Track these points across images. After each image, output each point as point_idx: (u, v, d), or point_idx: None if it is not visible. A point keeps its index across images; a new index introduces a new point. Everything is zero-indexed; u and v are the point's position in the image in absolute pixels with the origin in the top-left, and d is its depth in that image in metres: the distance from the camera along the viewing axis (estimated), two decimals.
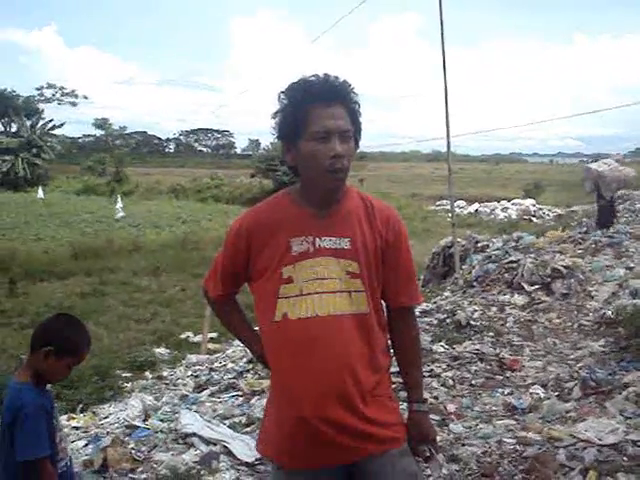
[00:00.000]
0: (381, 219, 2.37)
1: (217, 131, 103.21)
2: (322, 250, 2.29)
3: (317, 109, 2.22)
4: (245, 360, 8.38)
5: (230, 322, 2.66)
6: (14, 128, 58.22)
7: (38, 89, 61.40)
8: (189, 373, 9.19)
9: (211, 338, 11.34)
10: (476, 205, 38.16)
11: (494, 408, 5.56)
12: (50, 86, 62.24)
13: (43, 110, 60.19)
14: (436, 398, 5.79)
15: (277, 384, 2.37)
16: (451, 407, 5.57)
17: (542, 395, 5.70)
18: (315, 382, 2.23)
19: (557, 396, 5.65)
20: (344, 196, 2.35)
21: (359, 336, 2.28)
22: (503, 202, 37.98)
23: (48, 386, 2.80)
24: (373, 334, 2.33)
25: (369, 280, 2.32)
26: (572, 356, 6.73)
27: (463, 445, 4.75)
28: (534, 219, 31.69)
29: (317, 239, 2.29)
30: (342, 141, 2.23)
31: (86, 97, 67.75)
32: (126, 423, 5.99)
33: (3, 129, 59.06)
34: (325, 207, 2.32)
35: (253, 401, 6.35)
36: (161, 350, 11.48)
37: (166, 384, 8.82)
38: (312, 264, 2.28)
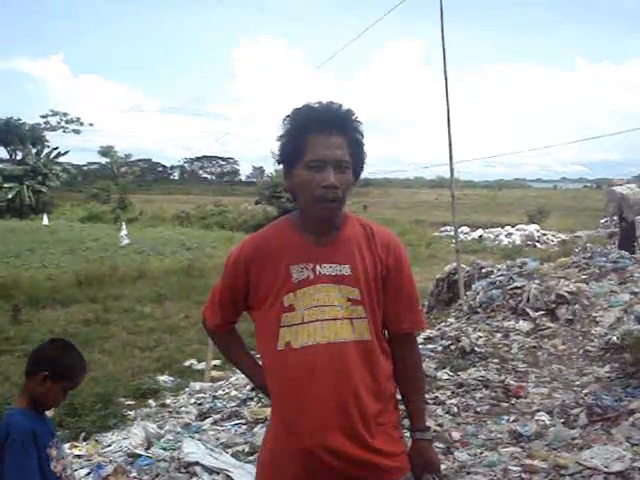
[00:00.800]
0: (382, 245, 2.35)
1: (221, 158, 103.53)
2: (322, 277, 2.27)
3: (315, 137, 2.21)
4: (249, 388, 8.33)
5: (229, 352, 2.65)
6: (19, 156, 58.51)
7: (43, 117, 61.70)
8: (192, 401, 9.14)
9: (215, 365, 11.29)
10: (480, 231, 38.10)
11: (499, 435, 5.52)
12: (55, 113, 62.51)
13: (48, 138, 60.50)
14: (441, 426, 5.75)
15: (278, 413, 2.34)
16: (456, 435, 5.53)
17: (548, 422, 5.66)
18: (318, 411, 2.20)
19: (563, 423, 5.60)
20: (344, 223, 2.34)
21: (362, 364, 2.26)
22: (507, 228, 37.93)
23: (50, 414, 2.78)
24: (376, 361, 2.30)
25: (370, 307, 2.30)
26: (578, 382, 6.69)
27: (468, 473, 4.72)
28: (538, 244, 31.64)
29: (317, 266, 2.28)
30: (338, 171, 2.21)
31: (91, 124, 68.35)
32: (128, 451, 5.95)
33: (9, 157, 59.41)
34: (324, 234, 2.31)
35: (256, 429, 6.30)
36: (165, 378, 11.43)
37: (169, 412, 8.78)
38: (313, 291, 2.26)
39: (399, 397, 2.46)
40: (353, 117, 2.28)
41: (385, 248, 2.36)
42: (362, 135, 2.32)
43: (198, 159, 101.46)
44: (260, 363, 2.45)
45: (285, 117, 2.30)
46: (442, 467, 4.66)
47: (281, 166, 2.35)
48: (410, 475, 2.35)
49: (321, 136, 2.21)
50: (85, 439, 7.48)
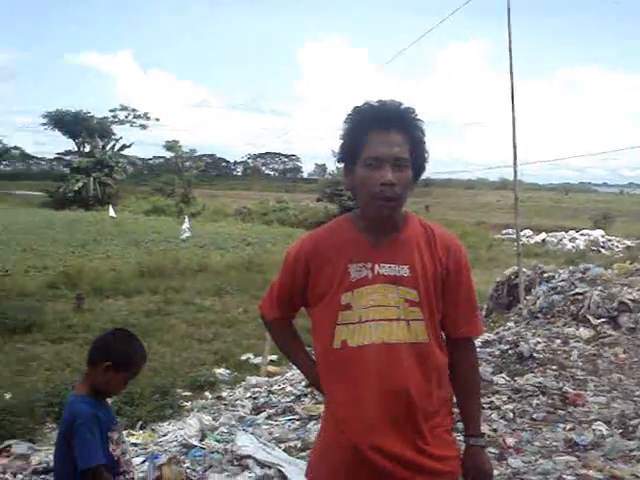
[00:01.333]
0: (442, 247, 2.33)
1: (284, 155, 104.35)
2: (381, 277, 2.26)
3: (374, 135, 2.20)
4: (304, 384, 8.36)
5: (286, 346, 2.66)
6: (87, 148, 59.79)
7: (112, 111, 62.91)
8: (248, 395, 9.22)
9: (271, 361, 11.37)
10: (543, 235, 37.52)
11: (555, 443, 5.42)
12: (123, 108, 63.64)
13: (115, 132, 61.68)
14: (495, 431, 5.68)
15: (331, 411, 2.35)
16: (510, 441, 5.46)
17: (605, 432, 5.53)
18: (371, 411, 2.20)
19: (621, 433, 5.47)
20: (404, 223, 2.33)
21: (417, 365, 2.24)
22: (571, 232, 37.25)
23: (109, 401, 2.86)
24: (432, 364, 2.29)
25: (429, 308, 2.28)
26: (638, 393, 6.53)
27: None
28: (603, 250, 31.02)
29: (376, 266, 2.27)
30: (396, 169, 2.19)
31: (158, 119, 69.30)
32: (183, 442, 6.04)
33: (77, 149, 60.74)
34: (384, 233, 2.30)
35: (309, 426, 6.32)
36: (221, 371, 11.57)
37: (225, 405, 8.88)
38: (371, 291, 2.25)
39: (454, 401, 2.45)
40: (413, 114, 2.27)
41: (446, 250, 2.33)
42: (423, 133, 2.30)
43: (261, 155, 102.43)
44: (315, 359, 2.46)
45: (347, 115, 2.29)
46: (495, 473, 4.63)
47: (342, 164, 2.35)
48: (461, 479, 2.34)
49: (380, 133, 2.20)
50: (142, 428, 7.64)
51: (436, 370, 2.31)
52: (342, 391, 2.27)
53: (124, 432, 6.73)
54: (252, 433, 6.00)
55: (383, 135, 2.20)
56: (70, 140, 60.91)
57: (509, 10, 12.54)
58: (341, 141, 2.30)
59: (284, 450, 5.47)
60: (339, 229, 2.38)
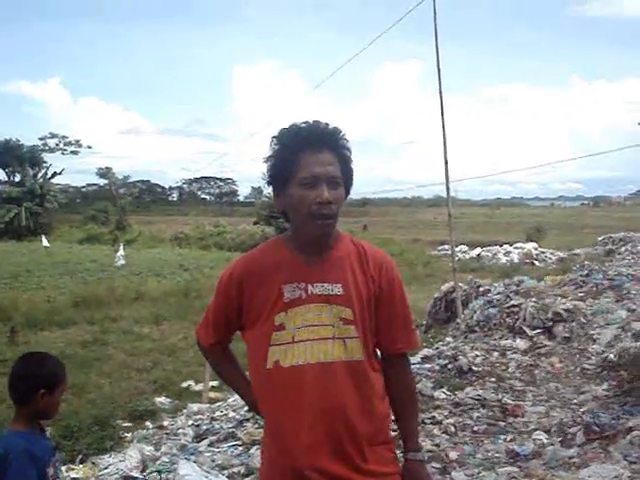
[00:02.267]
0: (374, 265, 2.35)
1: (220, 179, 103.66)
2: (314, 297, 2.27)
3: (306, 155, 2.21)
4: (246, 409, 8.29)
5: (223, 371, 2.65)
6: (18, 178, 58.62)
7: (41, 139, 61.90)
8: (190, 422, 9.10)
9: (212, 387, 11.25)
10: (478, 249, 38.05)
11: (497, 455, 5.48)
12: (53, 136, 62.76)
13: (46, 160, 60.65)
14: (437, 445, 5.71)
15: (270, 433, 2.35)
16: (453, 454, 5.50)
17: (545, 441, 5.63)
18: (308, 432, 2.20)
19: (560, 442, 5.57)
20: (336, 242, 2.34)
21: (353, 384, 2.25)
22: (505, 246, 37.87)
23: (49, 434, 2.80)
24: (368, 381, 2.30)
25: (363, 326, 2.30)
26: (575, 401, 6.66)
27: None
28: (536, 262, 31.56)
29: (309, 285, 2.28)
30: (330, 187, 2.22)
31: (90, 147, 68.09)
32: (124, 474, 5.92)
33: (7, 179, 59.49)
34: (316, 253, 2.31)
35: (252, 451, 6.25)
36: (162, 399, 11.38)
37: (167, 434, 8.73)
38: (304, 311, 2.26)
39: (393, 417, 2.45)
40: (341, 134, 2.30)
41: (378, 267, 2.35)
42: (350, 152, 2.33)
43: (196, 180, 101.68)
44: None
45: (273, 137, 2.30)
46: None
47: (271, 187, 2.36)
48: None
49: (312, 154, 2.22)
50: (82, 462, 7.45)
51: (372, 387, 2.32)
52: (278, 413, 2.27)
53: (64, 467, 6.60)
54: (194, 461, 5.91)
55: (316, 155, 2.22)
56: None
57: (436, 31, 12.78)
58: (270, 163, 2.30)
59: (227, 477, 5.41)
60: (271, 250, 2.38)
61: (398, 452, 2.43)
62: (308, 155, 2.22)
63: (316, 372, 2.22)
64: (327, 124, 2.29)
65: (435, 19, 12.75)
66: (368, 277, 2.33)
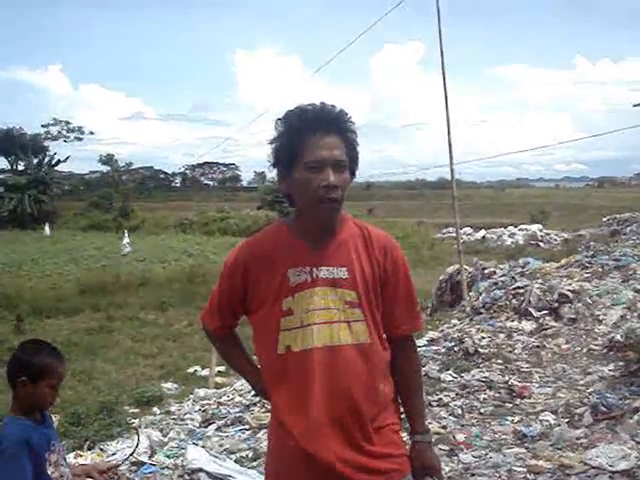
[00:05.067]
0: (379, 247, 2.34)
1: (223, 164, 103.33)
2: (320, 280, 2.26)
3: (312, 138, 2.19)
4: (252, 393, 8.31)
5: (229, 356, 2.64)
6: (21, 166, 58.64)
7: (44, 126, 61.88)
8: (197, 407, 9.13)
9: (219, 372, 11.30)
10: (483, 232, 38.03)
11: (504, 436, 5.49)
12: (56, 122, 62.74)
13: (49, 147, 60.63)
14: (445, 428, 5.72)
15: (277, 416, 2.33)
16: (460, 437, 5.51)
17: (552, 422, 5.63)
18: (316, 415, 2.20)
19: (567, 422, 5.57)
20: (341, 225, 2.32)
21: (360, 366, 2.24)
22: (510, 228, 37.84)
23: (55, 423, 2.79)
24: (375, 364, 2.29)
25: (369, 309, 2.29)
26: (582, 381, 6.65)
27: (473, 475, 4.70)
28: (541, 244, 31.53)
29: (314, 269, 2.26)
30: (336, 171, 2.20)
31: (92, 133, 68.27)
32: (132, 460, 5.93)
33: (10, 167, 59.50)
34: (321, 237, 2.29)
35: (260, 435, 6.28)
36: (168, 385, 11.46)
37: (174, 419, 8.77)
38: (310, 295, 2.25)
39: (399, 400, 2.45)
40: (347, 117, 2.27)
41: (382, 250, 2.34)
42: (356, 134, 2.31)
43: (199, 166, 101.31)
44: (258, 367, 2.44)
45: (278, 120, 2.28)
46: (446, 469, 4.68)
47: (275, 170, 2.33)
48: (410, 477, 2.33)
49: (318, 137, 2.19)
50: (89, 448, 7.48)
51: (379, 370, 2.31)
52: (287, 397, 2.26)
53: (71, 454, 6.63)
54: (202, 446, 5.94)
55: (322, 138, 2.20)
56: (2, 158, 59.72)
57: (439, 12, 12.69)
58: (275, 146, 2.28)
59: (235, 461, 5.43)
60: (275, 235, 2.37)
61: (405, 434, 2.42)
62: (314, 138, 2.19)
63: (323, 356, 2.21)
64: (333, 106, 2.26)
65: (438, 1, 12.66)
66: (373, 260, 2.32)
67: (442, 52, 12.76)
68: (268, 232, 2.42)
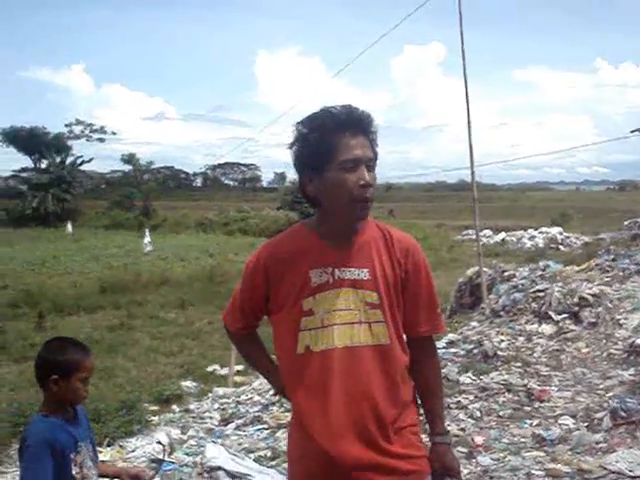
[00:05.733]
0: (400, 249, 2.36)
1: (243, 165, 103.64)
2: (341, 281, 2.28)
3: (345, 138, 2.21)
4: (271, 393, 8.34)
5: (250, 355, 2.68)
6: (44, 164, 59.14)
7: (67, 125, 62.29)
8: (216, 406, 9.17)
9: (238, 371, 11.32)
10: (502, 234, 37.83)
11: (522, 440, 5.48)
12: (79, 122, 63.15)
13: (72, 147, 61.07)
14: (463, 430, 5.72)
15: (298, 416, 2.36)
16: (479, 439, 5.50)
17: (571, 426, 5.60)
18: (336, 415, 2.22)
19: (587, 427, 5.54)
20: (363, 227, 2.35)
21: (380, 368, 2.27)
22: (530, 231, 37.61)
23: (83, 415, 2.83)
24: (394, 366, 2.31)
25: (390, 310, 2.31)
26: (602, 386, 6.61)
27: (491, 478, 4.71)
28: (561, 247, 31.32)
29: (336, 270, 2.29)
30: (368, 170, 2.23)
31: (114, 133, 68.66)
32: (151, 457, 5.98)
33: (33, 165, 60.04)
34: (344, 238, 2.31)
35: (279, 434, 6.31)
36: (188, 383, 11.47)
37: (193, 417, 8.81)
38: (332, 295, 2.27)
39: (418, 402, 2.47)
40: (371, 118, 2.30)
41: (404, 252, 2.36)
42: (377, 136, 2.34)
43: (220, 166, 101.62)
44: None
45: (303, 122, 2.30)
46: (465, 472, 4.68)
47: (299, 173, 2.34)
48: (430, 478, 2.35)
49: (351, 137, 2.22)
50: (109, 445, 7.52)
51: (399, 371, 2.33)
52: (308, 397, 2.28)
53: None
54: (221, 444, 5.97)
55: (354, 138, 2.22)
56: (26, 157, 60.23)
57: (460, 14, 12.67)
58: (303, 147, 2.29)
59: (254, 460, 5.45)
60: (297, 236, 2.39)
61: (424, 436, 2.44)
62: (347, 138, 2.21)
63: (344, 356, 2.24)
64: (359, 108, 2.29)
65: (460, 2, 12.64)
66: (394, 261, 2.34)
67: (464, 54, 12.72)
68: (289, 233, 2.44)
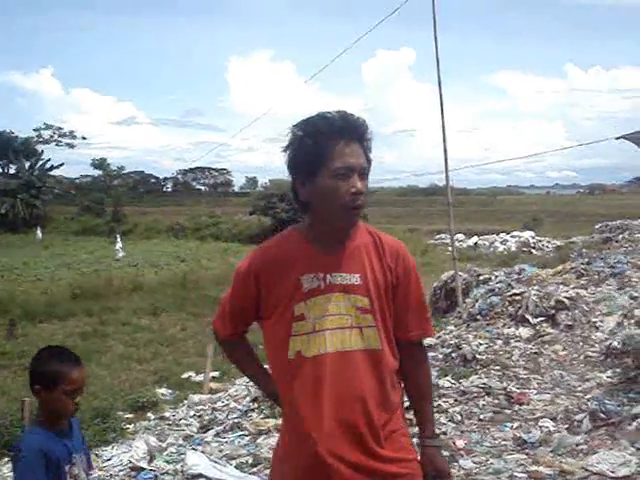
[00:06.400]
0: (390, 254, 2.37)
1: (214, 169, 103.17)
2: (333, 286, 2.28)
3: (339, 145, 2.21)
4: (248, 399, 8.34)
5: (240, 361, 2.66)
6: (13, 169, 58.47)
7: (36, 130, 61.68)
8: (192, 413, 9.12)
9: (213, 377, 11.29)
10: (475, 238, 38.10)
11: (504, 442, 5.50)
12: (48, 127, 62.56)
13: (42, 151, 60.45)
14: (445, 434, 5.73)
15: (290, 420, 2.35)
16: (460, 443, 5.51)
17: (552, 428, 5.63)
18: (328, 420, 2.21)
19: (567, 429, 5.57)
20: (354, 232, 2.35)
21: (371, 372, 2.27)
22: (502, 235, 37.93)
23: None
24: (385, 370, 2.31)
25: (380, 315, 2.31)
26: (580, 388, 6.66)
27: None
28: (534, 251, 31.61)
29: (328, 275, 2.28)
30: (361, 178, 2.23)
31: (84, 138, 67.96)
32: (131, 465, 5.90)
33: (2, 171, 59.29)
34: (335, 243, 2.31)
35: (259, 440, 6.28)
36: (163, 390, 11.43)
37: (169, 425, 8.76)
38: (323, 300, 2.27)
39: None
40: (367, 126, 2.31)
41: (394, 257, 2.37)
42: (371, 144, 2.34)
43: (191, 170, 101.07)
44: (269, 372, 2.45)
45: (297, 126, 2.29)
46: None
47: (291, 176, 2.33)
48: None
49: (345, 144, 2.22)
50: None
51: (389, 375, 2.33)
52: (300, 401, 2.27)
53: None
54: (202, 451, 5.91)
55: (349, 146, 2.23)
56: None
57: (435, 20, 12.70)
58: (297, 152, 2.28)
59: (235, 467, 5.41)
60: (287, 241, 2.38)
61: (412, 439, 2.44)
62: (342, 145, 2.22)
63: (336, 361, 2.23)
64: (355, 115, 2.29)
65: (434, 7, 12.68)
66: (385, 266, 2.34)
67: (438, 60, 12.76)
68: (280, 238, 2.43)
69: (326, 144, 2.21)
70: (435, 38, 12.74)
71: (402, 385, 2.45)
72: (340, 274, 2.28)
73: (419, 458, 2.39)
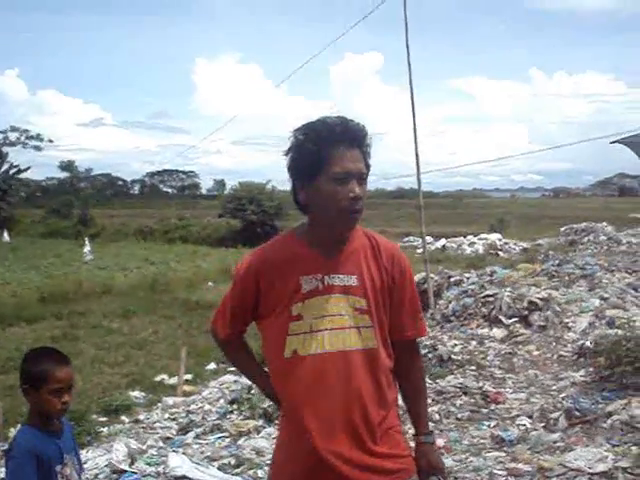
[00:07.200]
0: (386, 256, 2.41)
1: (182, 172, 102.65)
2: (331, 287, 2.31)
3: (339, 150, 2.25)
4: (223, 402, 8.35)
5: (240, 362, 2.69)
6: None
7: (2, 132, 60.88)
8: (167, 416, 9.09)
9: (186, 380, 11.25)
10: (443, 241, 38.29)
11: (482, 441, 5.58)
12: (14, 129, 61.80)
13: (7, 154, 59.65)
14: None
15: (288, 419, 2.37)
16: (440, 441, 5.54)
17: (529, 426, 5.73)
18: (326, 417, 2.25)
19: (543, 427, 5.68)
20: (352, 235, 2.39)
21: (368, 371, 2.31)
22: (469, 237, 38.18)
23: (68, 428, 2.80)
24: (381, 369, 2.36)
25: (377, 315, 2.35)
26: (554, 387, 6.78)
27: (456, 479, 4.76)
28: (501, 253, 31.89)
29: (326, 277, 2.32)
30: (359, 183, 2.27)
31: (51, 140, 67.15)
32: (112, 468, 5.87)
33: None
34: (334, 246, 2.35)
35: (241, 442, 6.28)
36: (136, 393, 11.36)
37: (143, 428, 8.72)
38: (322, 301, 2.31)
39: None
40: (367, 132, 2.35)
41: (390, 259, 2.42)
42: (370, 149, 2.38)
43: (159, 173, 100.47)
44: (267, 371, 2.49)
45: (300, 130, 2.33)
46: None
47: (292, 179, 2.37)
48: (416, 477, 2.40)
49: (345, 149, 2.26)
50: None
51: (385, 375, 2.38)
52: (297, 400, 2.30)
53: None
54: (183, 453, 5.91)
55: (348, 151, 2.26)
56: None
57: (406, 25, 12.83)
58: (298, 155, 2.32)
59: (218, 468, 5.42)
60: (286, 244, 2.42)
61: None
62: (342, 151, 2.25)
63: (336, 360, 2.27)
64: (355, 121, 2.33)
65: (405, 12, 12.81)
66: (381, 268, 2.39)
67: (409, 64, 12.95)
68: (279, 241, 2.47)
69: (326, 149, 2.25)
70: (407, 43, 12.95)
71: (397, 383, 2.49)
72: (338, 275, 2.32)
73: (413, 454, 2.44)
